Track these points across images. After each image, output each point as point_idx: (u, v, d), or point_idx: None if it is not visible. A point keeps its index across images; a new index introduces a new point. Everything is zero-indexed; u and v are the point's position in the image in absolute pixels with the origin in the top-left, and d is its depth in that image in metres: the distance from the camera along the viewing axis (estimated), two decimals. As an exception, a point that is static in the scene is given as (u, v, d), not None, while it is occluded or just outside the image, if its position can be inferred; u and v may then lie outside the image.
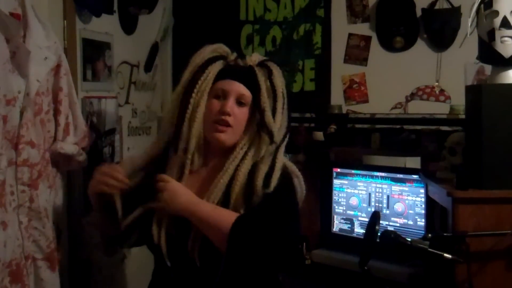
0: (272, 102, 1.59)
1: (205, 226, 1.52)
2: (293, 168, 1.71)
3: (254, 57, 1.66)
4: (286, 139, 1.65)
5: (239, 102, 1.60)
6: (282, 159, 1.65)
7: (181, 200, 1.55)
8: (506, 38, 1.89)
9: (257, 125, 1.58)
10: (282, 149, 1.64)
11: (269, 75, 1.61)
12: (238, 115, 1.59)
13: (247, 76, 1.60)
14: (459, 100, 2.55)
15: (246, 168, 1.57)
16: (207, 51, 1.64)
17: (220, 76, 1.61)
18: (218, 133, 1.58)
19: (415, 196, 2.50)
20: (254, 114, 1.60)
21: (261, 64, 1.63)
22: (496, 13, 1.90)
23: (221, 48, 1.67)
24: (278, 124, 1.59)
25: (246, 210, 1.53)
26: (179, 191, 1.55)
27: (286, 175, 1.62)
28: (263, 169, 1.57)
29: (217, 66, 1.61)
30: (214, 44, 1.67)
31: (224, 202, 1.56)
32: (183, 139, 1.58)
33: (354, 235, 2.69)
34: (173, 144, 1.62)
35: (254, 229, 1.49)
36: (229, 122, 1.58)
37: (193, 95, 1.58)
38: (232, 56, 1.67)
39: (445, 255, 1.65)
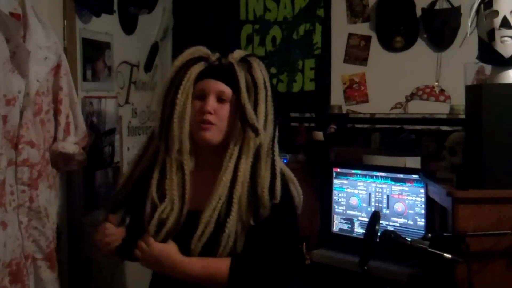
0: (254, 94, 1.59)
1: (201, 284, 1.55)
2: (288, 173, 1.71)
3: (236, 54, 1.67)
4: (277, 134, 1.64)
5: (220, 99, 1.60)
6: (280, 162, 1.65)
7: (166, 267, 1.56)
8: (506, 38, 1.89)
9: (240, 121, 1.57)
10: (277, 148, 1.64)
11: (249, 69, 1.61)
12: (220, 112, 1.59)
13: (226, 74, 1.61)
14: (459, 100, 2.56)
15: (246, 167, 1.57)
16: (187, 54, 1.65)
17: (200, 77, 1.62)
18: (203, 132, 1.58)
19: (415, 196, 2.49)
20: (239, 109, 1.60)
21: (242, 60, 1.64)
22: (496, 13, 1.90)
23: (200, 50, 1.68)
24: (262, 115, 1.58)
25: (255, 222, 1.55)
26: (162, 257, 1.55)
27: (282, 181, 1.62)
28: (266, 176, 1.57)
29: (197, 68, 1.62)
30: (192, 47, 1.68)
31: (228, 201, 1.55)
32: (175, 141, 1.58)
33: (354, 235, 2.69)
34: (164, 145, 1.62)
35: (252, 268, 1.54)
36: (212, 121, 1.58)
37: (178, 96, 1.58)
38: (214, 57, 1.68)
39: (445, 255, 1.65)
